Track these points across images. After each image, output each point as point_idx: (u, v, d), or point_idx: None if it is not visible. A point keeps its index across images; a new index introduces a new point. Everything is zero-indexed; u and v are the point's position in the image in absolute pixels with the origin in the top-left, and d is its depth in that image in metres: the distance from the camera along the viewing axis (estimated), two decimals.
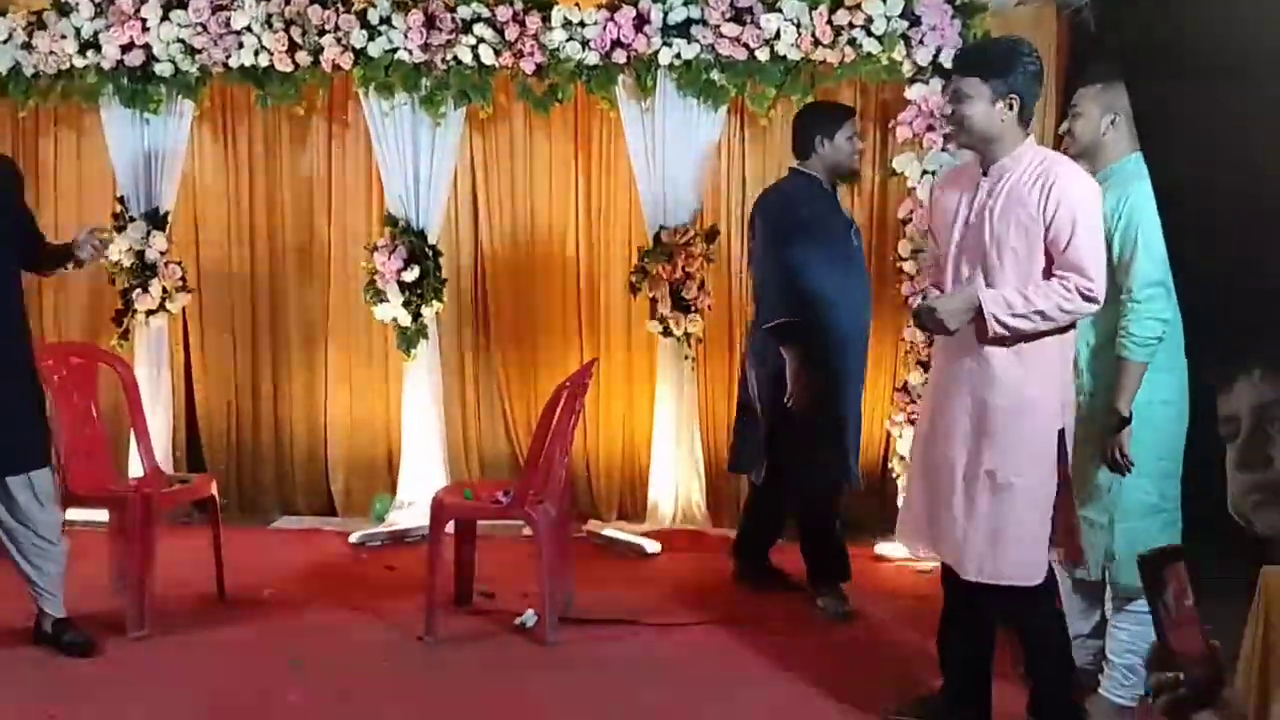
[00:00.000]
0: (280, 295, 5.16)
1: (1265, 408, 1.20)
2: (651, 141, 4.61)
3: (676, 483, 4.72)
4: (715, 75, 4.51)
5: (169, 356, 4.94)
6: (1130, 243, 2.79)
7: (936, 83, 4.38)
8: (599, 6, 4.46)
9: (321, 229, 5.12)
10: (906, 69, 4.41)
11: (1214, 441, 1.29)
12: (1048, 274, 2.61)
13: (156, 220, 4.80)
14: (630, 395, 5.00)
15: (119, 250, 4.73)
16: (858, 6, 4.31)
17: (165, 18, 4.58)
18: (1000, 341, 2.62)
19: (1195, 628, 1.19)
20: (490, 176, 5.05)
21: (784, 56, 4.44)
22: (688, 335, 4.66)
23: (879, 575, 4.13)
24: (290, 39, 4.56)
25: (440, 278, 4.77)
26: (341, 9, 4.52)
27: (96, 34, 4.63)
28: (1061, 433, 2.62)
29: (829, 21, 4.33)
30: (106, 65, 4.66)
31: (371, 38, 4.52)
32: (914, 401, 4.36)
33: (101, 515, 3.81)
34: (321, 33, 4.54)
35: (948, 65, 4.36)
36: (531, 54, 4.50)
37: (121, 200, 4.82)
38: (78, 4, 4.61)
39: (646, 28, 4.43)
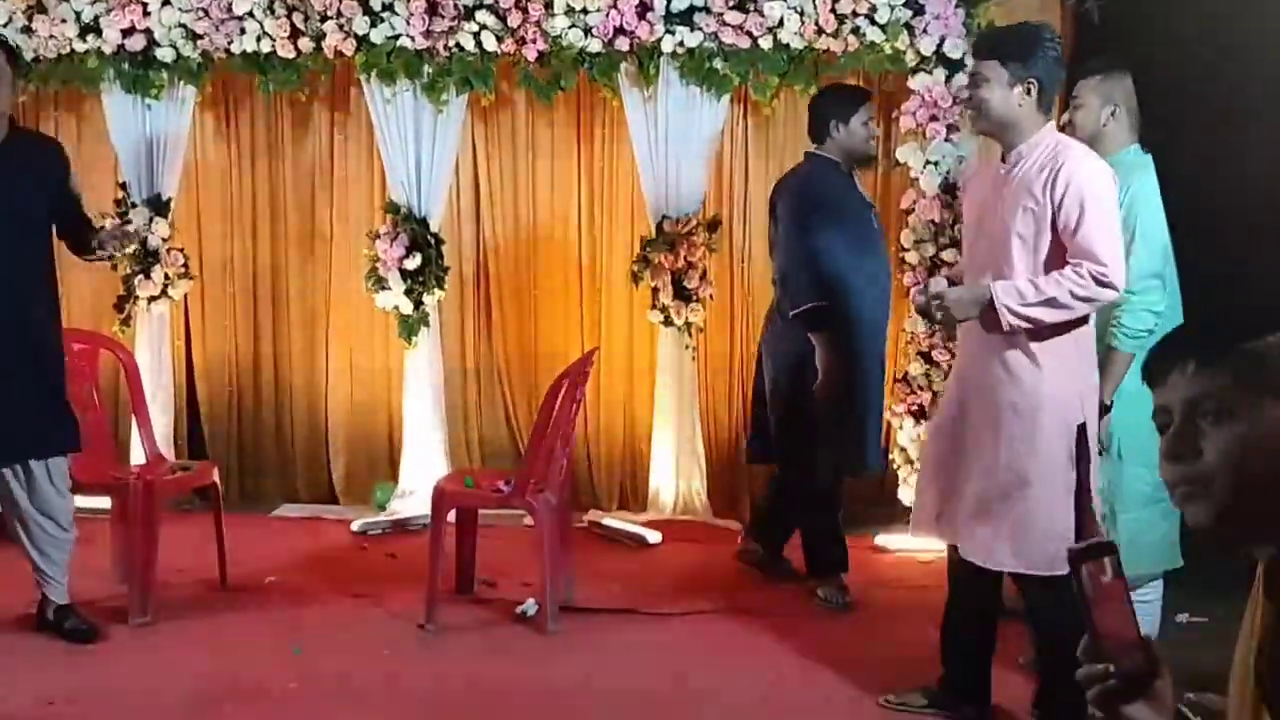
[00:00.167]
0: (282, 282, 5.15)
1: (1197, 401, 1.20)
2: (654, 130, 4.60)
3: (677, 472, 4.73)
4: (718, 63, 4.49)
5: (170, 343, 4.95)
6: (1129, 233, 2.78)
7: (940, 72, 4.37)
8: None
9: (323, 216, 5.11)
10: (910, 58, 4.39)
11: None
12: (1061, 262, 2.57)
13: (159, 206, 4.79)
14: (631, 384, 5.00)
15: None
16: None
17: (167, 2, 4.56)
18: (1023, 333, 2.59)
19: (1119, 605, 1.18)
20: (492, 164, 5.04)
21: (787, 45, 4.42)
22: (689, 325, 4.66)
23: (879, 566, 4.14)
24: (292, 25, 4.54)
25: (442, 265, 4.77)
26: None
27: (97, 18, 4.61)
28: (1083, 426, 2.61)
29: (832, 10, 4.31)
30: (107, 50, 4.64)
31: (374, 24, 4.50)
32: (914, 392, 4.36)
33: (103, 502, 3.81)
34: (324, 19, 4.52)
35: (951, 55, 4.35)
36: (534, 41, 4.48)
37: (123, 186, 4.81)
38: None
39: (649, 15, 4.41)
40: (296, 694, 2.98)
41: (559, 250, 5.04)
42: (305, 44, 4.57)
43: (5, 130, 3.21)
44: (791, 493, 3.87)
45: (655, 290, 4.64)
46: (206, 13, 4.55)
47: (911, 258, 4.37)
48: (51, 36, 4.63)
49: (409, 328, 4.74)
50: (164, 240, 4.79)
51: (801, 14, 4.34)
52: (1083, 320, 2.63)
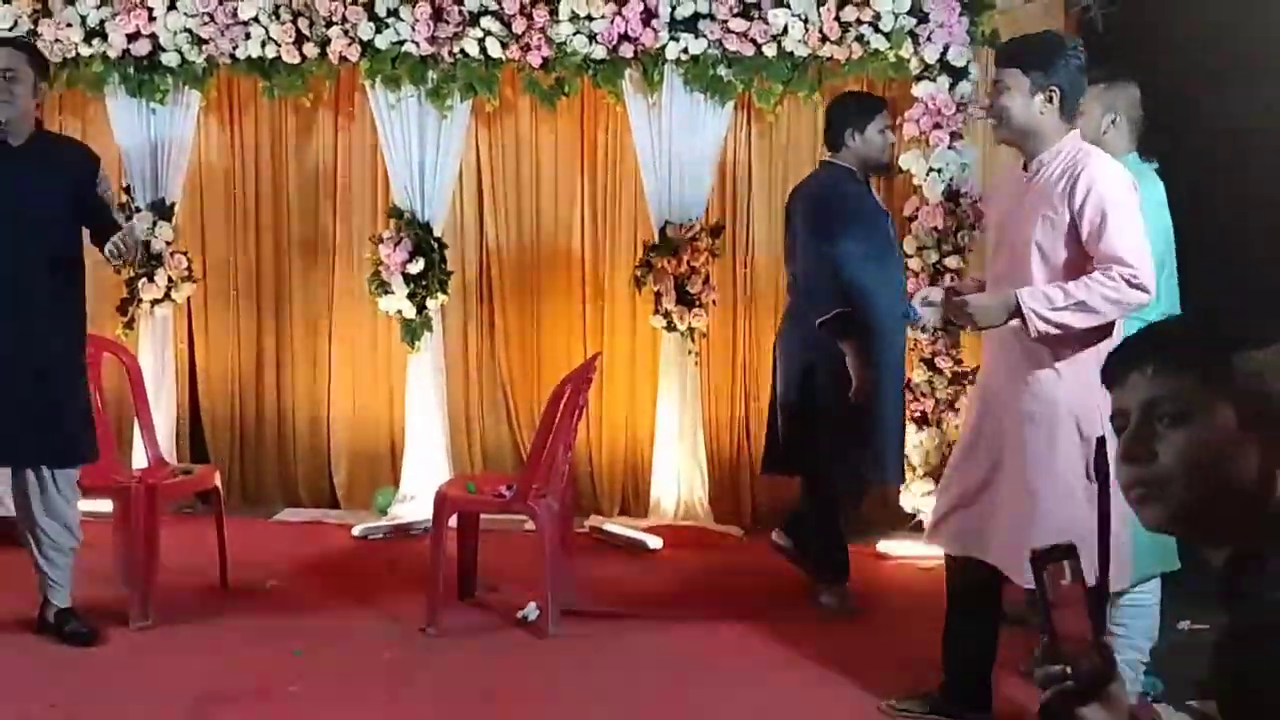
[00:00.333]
0: (285, 286, 5.16)
1: (1154, 403, 1.21)
2: (657, 136, 4.61)
3: (679, 478, 4.73)
4: (722, 70, 4.50)
5: (173, 346, 4.95)
6: None
7: (944, 80, 4.37)
8: (607, 0, 4.45)
9: (327, 221, 5.12)
10: (914, 66, 4.40)
11: None
12: (1079, 274, 2.55)
13: (163, 210, 4.80)
14: (633, 390, 5.00)
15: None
16: (866, 3, 4.30)
17: (172, 7, 4.58)
18: (1045, 344, 2.57)
19: (1078, 608, 1.20)
20: (496, 170, 5.05)
21: (791, 52, 4.43)
22: (691, 330, 4.66)
23: (881, 572, 4.13)
24: (297, 30, 4.55)
25: (445, 270, 4.77)
26: (349, 1, 4.52)
27: (102, 22, 4.62)
28: (1102, 440, 2.59)
29: (836, 18, 4.32)
30: (112, 54, 4.66)
31: (379, 30, 4.52)
32: (917, 399, 4.35)
33: (105, 505, 3.81)
34: (329, 24, 4.54)
35: (955, 63, 4.36)
36: (538, 47, 4.49)
37: (127, 190, 4.82)
38: None
39: (654, 22, 4.42)
40: (298, 697, 2.98)
41: (562, 255, 5.04)
42: (310, 49, 4.58)
43: (29, 131, 3.23)
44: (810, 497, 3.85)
45: (658, 295, 4.64)
46: (212, 18, 4.56)
47: (914, 264, 4.36)
48: (57, 40, 4.64)
49: (412, 332, 4.75)
50: (168, 244, 4.80)
51: (806, 21, 4.35)
52: (1107, 333, 2.57)
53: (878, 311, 3.61)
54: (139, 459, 4.25)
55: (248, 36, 4.58)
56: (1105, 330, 2.59)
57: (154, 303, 4.81)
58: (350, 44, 4.55)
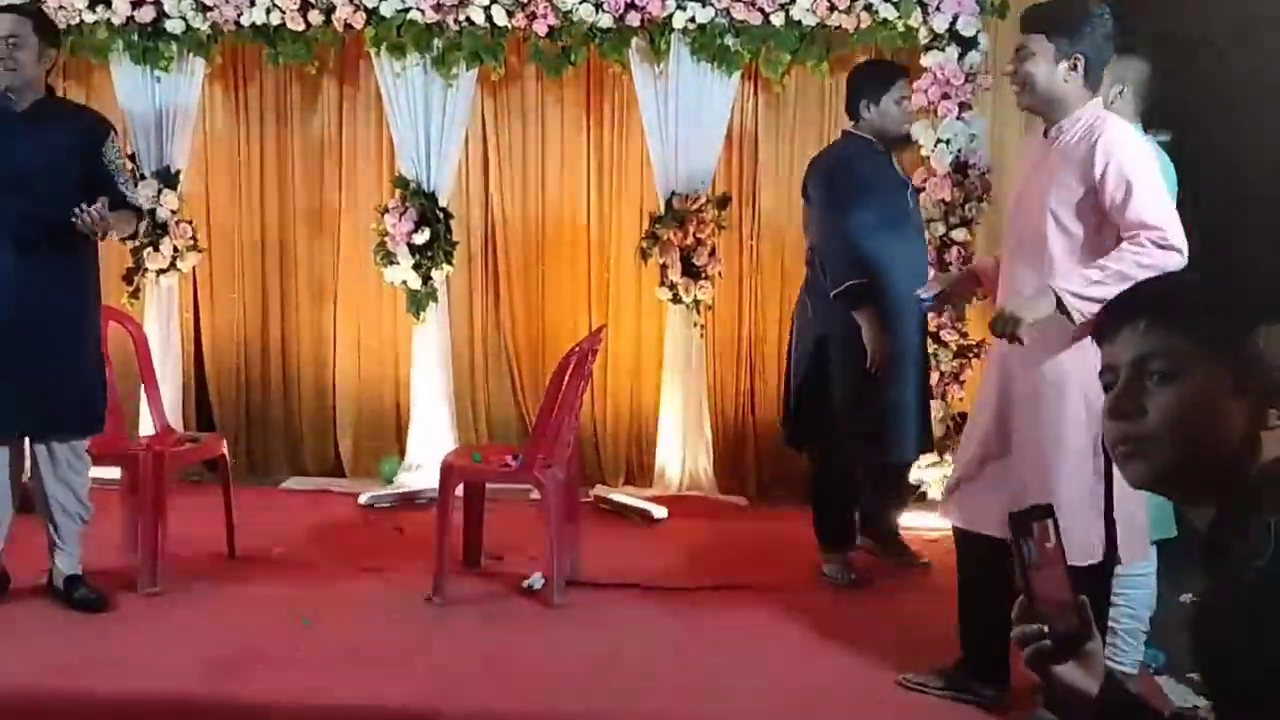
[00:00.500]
0: (290, 256, 5.15)
1: (1145, 359, 1.21)
2: (664, 106, 4.59)
3: (684, 449, 4.74)
4: (729, 40, 4.47)
5: (179, 315, 4.96)
6: None
7: (953, 50, 4.34)
8: None
9: (332, 190, 5.11)
10: (922, 36, 4.37)
11: None
12: (1100, 243, 2.53)
13: (168, 179, 4.79)
14: (639, 361, 5.01)
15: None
16: None
17: None
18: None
19: (1058, 570, 1.21)
20: (501, 139, 5.03)
21: (799, 21, 4.41)
22: (697, 302, 4.66)
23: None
24: None
25: (451, 241, 4.76)
26: None
27: None
28: None
29: None
30: (116, 21, 4.63)
31: None
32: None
33: (113, 473, 3.83)
34: None
35: (964, 32, 4.33)
36: (544, 15, 4.46)
37: (132, 158, 4.81)
38: None
39: None
40: (304, 664, 3.00)
41: (568, 226, 5.03)
42: (315, 17, 4.55)
43: (36, 97, 3.20)
44: (851, 470, 3.82)
45: (664, 267, 4.64)
46: None
47: None
48: (61, 7, 4.61)
49: (417, 303, 4.75)
50: (173, 212, 4.79)
51: None
52: None
53: (893, 283, 3.57)
54: (146, 427, 4.27)
55: (252, 3, 4.55)
56: None
57: (159, 272, 4.81)
58: (355, 11, 4.52)
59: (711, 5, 4.40)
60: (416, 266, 4.69)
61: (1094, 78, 2.60)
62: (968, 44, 4.34)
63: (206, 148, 5.09)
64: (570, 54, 4.58)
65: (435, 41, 4.56)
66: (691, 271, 4.62)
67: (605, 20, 4.46)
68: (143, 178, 4.76)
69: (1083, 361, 2.55)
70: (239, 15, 4.57)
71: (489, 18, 4.49)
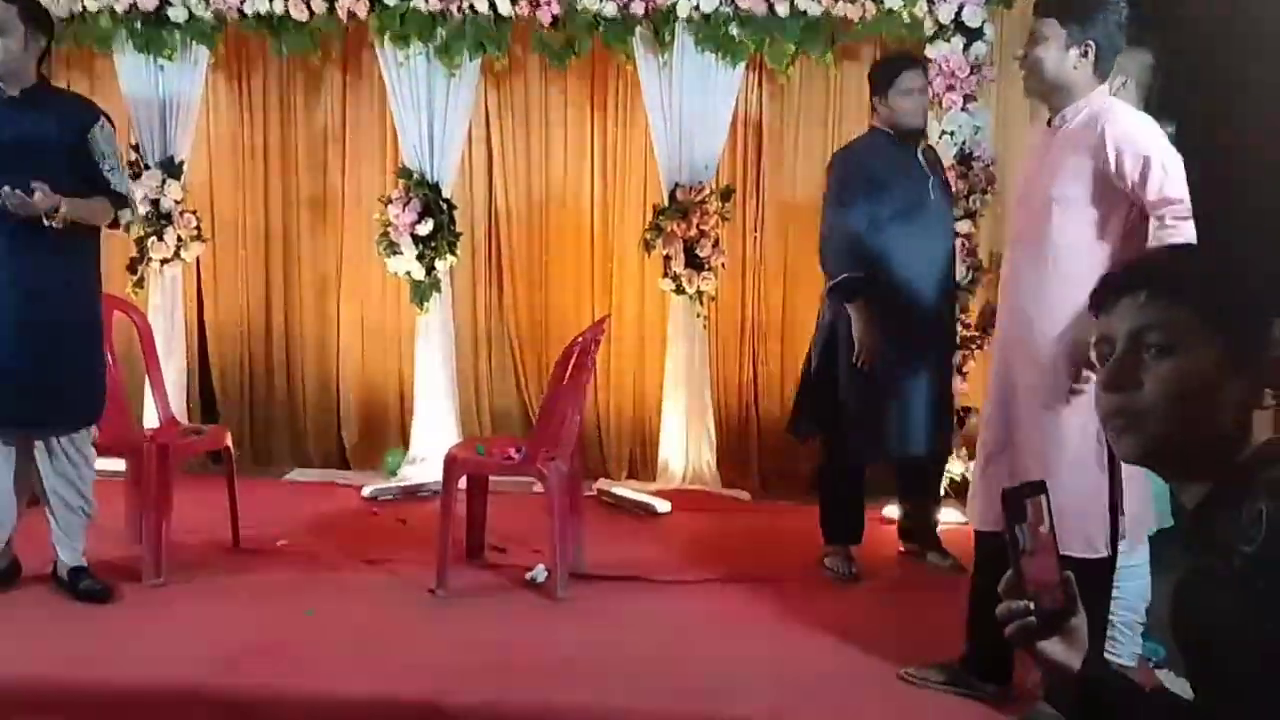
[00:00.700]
0: (294, 246, 5.16)
1: (1143, 331, 1.20)
2: (668, 96, 4.57)
3: (687, 442, 4.74)
4: (734, 30, 4.45)
5: (183, 305, 4.96)
6: None
7: (958, 41, 4.32)
8: None
9: (335, 180, 5.10)
10: (928, 26, 4.35)
11: None
12: (1127, 222, 2.50)
13: (171, 169, 4.78)
14: (642, 353, 5.00)
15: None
16: None
17: None
18: (1048, 306, 2.54)
19: (1050, 556, 1.22)
20: (505, 129, 5.01)
21: (804, 12, 4.39)
22: (700, 293, 4.65)
23: (887, 537, 4.14)
24: None
25: (454, 231, 4.76)
26: None
27: None
28: None
29: None
30: (119, 9, 4.62)
31: None
32: None
33: (118, 464, 3.83)
34: None
35: (970, 23, 4.31)
36: (548, 5, 4.44)
37: (136, 148, 4.81)
38: None
39: None
40: (308, 655, 3.01)
41: (571, 217, 5.02)
42: (318, 5, 4.54)
43: (27, 84, 3.17)
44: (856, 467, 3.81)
45: (667, 258, 4.63)
46: None
47: None
48: None
49: (421, 293, 4.74)
50: (177, 202, 4.79)
51: None
52: None
53: (898, 278, 3.57)
54: (150, 418, 4.27)
55: None
56: None
57: (163, 262, 4.82)
58: (358, 0, 4.50)
59: None
60: (420, 257, 4.69)
61: (1104, 66, 2.57)
62: (973, 35, 4.32)
63: (210, 137, 5.09)
64: (574, 44, 4.56)
65: (439, 31, 4.54)
66: (695, 263, 4.61)
67: (609, 10, 4.44)
68: (147, 167, 4.76)
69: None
70: (242, 4, 4.56)
71: (492, 7, 4.48)
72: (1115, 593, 2.80)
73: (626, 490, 4.66)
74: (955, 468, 4.29)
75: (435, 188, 4.69)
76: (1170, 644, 3.03)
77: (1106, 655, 2.84)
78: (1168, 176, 2.45)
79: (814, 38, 4.46)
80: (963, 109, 4.32)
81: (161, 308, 4.82)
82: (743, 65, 4.56)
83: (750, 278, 4.95)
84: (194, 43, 4.69)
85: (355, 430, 5.12)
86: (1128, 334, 1.21)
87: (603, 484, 4.76)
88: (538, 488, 3.64)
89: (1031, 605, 1.21)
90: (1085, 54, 2.54)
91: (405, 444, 4.89)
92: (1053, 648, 1.23)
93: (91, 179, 3.21)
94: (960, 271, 4.16)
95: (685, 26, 4.47)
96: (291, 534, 4.03)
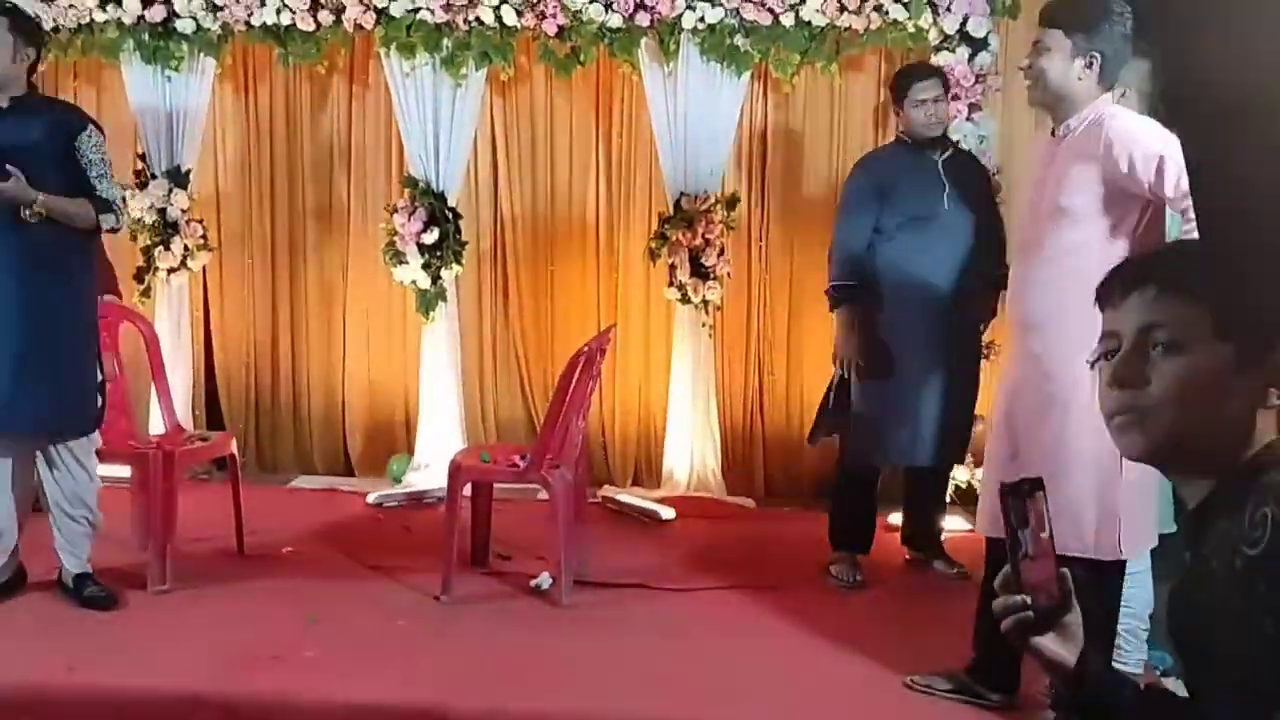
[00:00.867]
0: (299, 255, 5.17)
1: (1151, 328, 1.20)
2: (673, 106, 4.59)
3: (692, 449, 4.74)
4: (739, 40, 4.47)
5: (189, 314, 4.98)
6: None
7: (963, 51, 4.34)
8: None
9: (341, 189, 5.12)
10: (933, 37, 4.37)
11: None
12: (1132, 222, 2.50)
13: (178, 178, 4.80)
14: (647, 362, 5.01)
15: (140, 207, 4.75)
16: None
17: None
18: (1057, 319, 2.54)
19: (1049, 559, 1.22)
20: (511, 139, 5.03)
21: (809, 22, 4.40)
22: (706, 302, 4.66)
23: (893, 545, 4.13)
24: None
25: (460, 240, 4.77)
26: None
27: None
28: None
29: None
30: (127, 20, 4.65)
31: None
32: None
33: (124, 471, 3.84)
34: None
35: (974, 33, 4.32)
36: (554, 15, 4.46)
37: (143, 157, 4.83)
38: None
39: None
40: (313, 663, 3.01)
41: (577, 226, 5.04)
42: (325, 17, 4.57)
43: (16, 93, 3.16)
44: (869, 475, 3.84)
45: (672, 268, 4.64)
46: None
47: None
48: (71, 6, 4.64)
49: (426, 303, 4.75)
50: (184, 212, 4.81)
51: None
52: None
53: (904, 285, 3.58)
54: (156, 425, 4.28)
55: (263, 3, 4.56)
56: None
57: (170, 271, 4.83)
58: (365, 11, 4.53)
59: (721, 5, 4.40)
60: (426, 266, 4.70)
61: (1109, 77, 2.56)
62: (978, 45, 4.34)
63: (217, 147, 5.11)
64: (580, 54, 4.58)
65: (445, 41, 4.57)
66: (700, 272, 4.62)
67: (615, 20, 4.46)
68: (154, 177, 4.78)
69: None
70: (249, 15, 4.59)
71: (498, 17, 4.50)
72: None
73: (631, 497, 4.66)
74: (961, 475, 4.28)
75: (441, 197, 4.71)
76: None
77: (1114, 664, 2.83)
78: (1182, 174, 2.42)
79: (818, 48, 4.48)
80: (968, 119, 4.33)
81: (168, 316, 4.84)
82: (747, 75, 4.57)
83: (755, 286, 4.95)
84: (201, 53, 4.72)
85: (360, 437, 5.12)
86: (1136, 330, 1.21)
87: (607, 491, 4.75)
88: (542, 495, 3.64)
89: (1028, 600, 1.21)
90: (1090, 65, 2.54)
91: (410, 451, 4.90)
92: (1048, 643, 1.23)
93: (80, 187, 3.22)
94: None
95: (690, 37, 4.49)
96: (297, 541, 4.03)
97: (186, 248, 4.83)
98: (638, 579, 3.69)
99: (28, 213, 3.08)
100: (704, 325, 4.70)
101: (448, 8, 4.48)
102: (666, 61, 4.54)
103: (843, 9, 4.35)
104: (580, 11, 4.46)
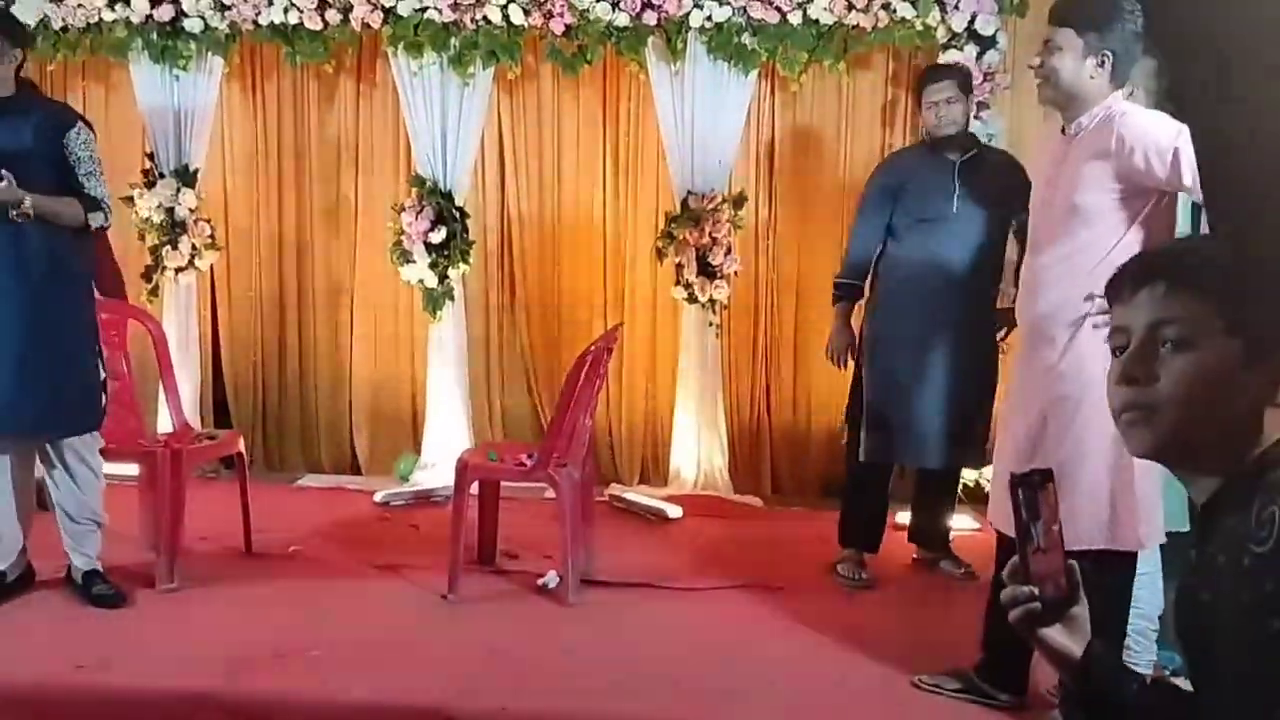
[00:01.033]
0: (307, 254, 5.18)
1: (1160, 325, 1.19)
2: (680, 105, 4.58)
3: (699, 448, 4.74)
4: (746, 39, 4.47)
5: (197, 313, 4.99)
6: None
7: (971, 49, 4.33)
8: None
9: (348, 189, 5.12)
10: (941, 34, 4.36)
11: None
12: (1146, 218, 2.49)
13: (186, 177, 4.81)
14: (654, 360, 5.01)
15: (148, 207, 4.76)
16: None
17: None
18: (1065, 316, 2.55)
19: (1058, 552, 1.23)
20: (518, 138, 5.03)
21: (816, 20, 4.40)
22: (713, 301, 4.65)
23: (901, 544, 4.12)
24: None
25: (467, 239, 4.77)
26: None
27: None
28: None
29: None
30: (135, 20, 4.66)
31: None
32: None
33: (131, 469, 3.85)
34: None
35: (983, 31, 4.31)
36: (561, 14, 4.46)
37: (151, 156, 4.84)
38: None
39: None
40: (320, 661, 3.01)
41: (583, 225, 5.03)
42: (333, 16, 4.57)
43: (4, 93, 3.15)
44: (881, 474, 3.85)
45: (679, 266, 4.64)
46: None
47: None
48: (79, 5, 4.65)
49: (433, 301, 4.76)
50: (191, 211, 4.82)
51: None
52: None
53: (911, 286, 3.59)
54: (164, 424, 4.29)
55: (270, 3, 4.57)
56: None
57: (178, 270, 4.85)
58: (373, 10, 4.53)
59: (728, 4, 4.40)
60: (433, 265, 4.70)
61: (1120, 75, 2.55)
62: (986, 43, 4.33)
63: (224, 147, 5.12)
64: (586, 53, 4.58)
65: (452, 40, 4.57)
66: (707, 271, 4.61)
67: (622, 19, 4.46)
68: (161, 176, 4.79)
69: (1098, 360, 2.52)
70: (257, 14, 4.60)
71: (506, 17, 4.50)
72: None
73: (638, 496, 4.66)
74: (969, 474, 4.27)
75: (448, 196, 4.71)
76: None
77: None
78: (1195, 168, 2.40)
79: (826, 46, 4.47)
80: (975, 116, 4.31)
81: (176, 316, 4.85)
82: (755, 74, 4.57)
83: (763, 285, 4.94)
84: (209, 53, 4.73)
85: (367, 436, 5.13)
86: (1145, 326, 1.20)
87: (614, 489, 4.75)
88: (549, 494, 3.64)
89: (1036, 591, 1.22)
90: (1102, 63, 2.53)
91: (417, 450, 4.90)
92: (1055, 635, 1.24)
93: (69, 185, 3.21)
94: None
95: (697, 35, 4.49)
96: (304, 539, 4.04)
97: (194, 247, 4.84)
98: (645, 578, 3.68)
99: (15, 213, 3.09)
100: (711, 324, 4.70)
101: (455, 7, 4.48)
102: (674, 60, 4.54)
103: (850, 7, 4.34)
104: (587, 10, 4.45)
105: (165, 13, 4.63)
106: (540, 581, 3.60)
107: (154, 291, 4.86)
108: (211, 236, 4.90)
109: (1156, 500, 2.61)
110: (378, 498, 4.60)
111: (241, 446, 3.93)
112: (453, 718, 2.73)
